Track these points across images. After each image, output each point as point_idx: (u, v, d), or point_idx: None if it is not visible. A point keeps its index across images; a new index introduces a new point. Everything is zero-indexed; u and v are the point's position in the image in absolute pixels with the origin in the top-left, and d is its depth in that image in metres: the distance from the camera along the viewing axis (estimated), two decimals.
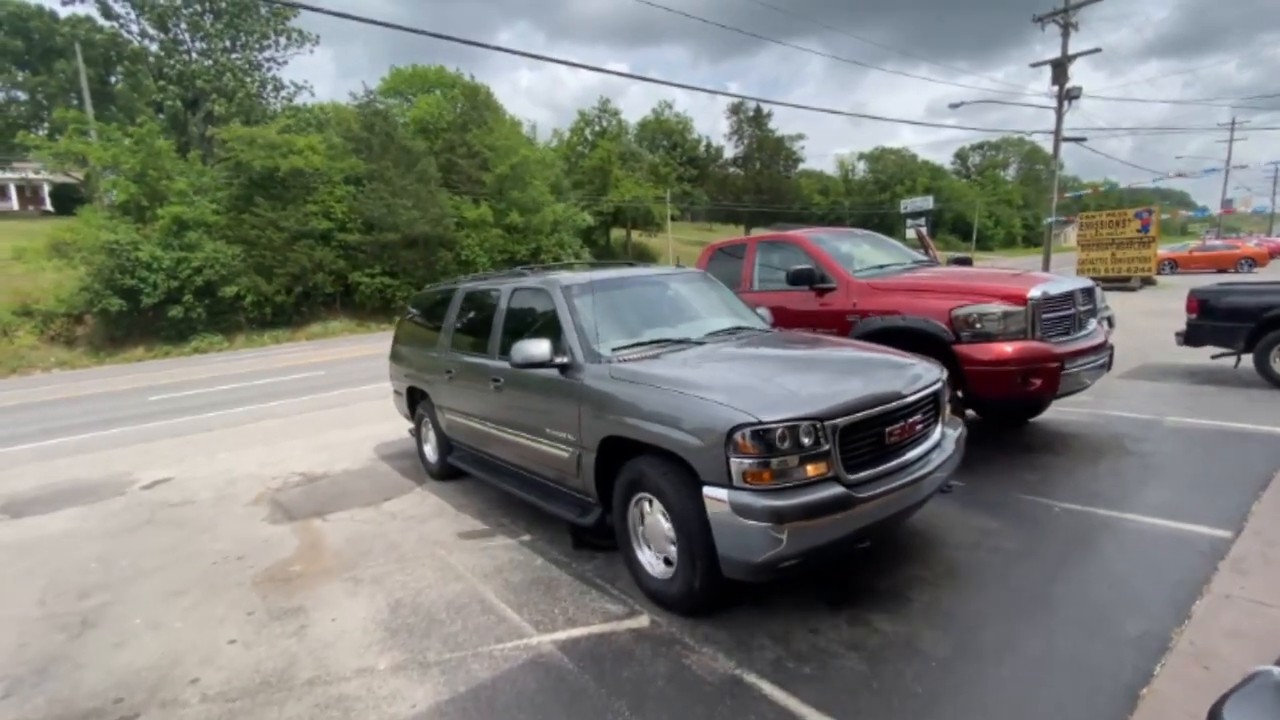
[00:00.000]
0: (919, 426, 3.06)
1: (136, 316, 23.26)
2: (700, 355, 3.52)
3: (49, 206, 43.71)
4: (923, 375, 3.21)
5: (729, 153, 57.95)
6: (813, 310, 5.47)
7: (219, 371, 16.04)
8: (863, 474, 2.73)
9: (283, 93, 36.73)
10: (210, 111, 31.95)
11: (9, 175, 45.29)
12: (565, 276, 4.22)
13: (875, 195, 65.36)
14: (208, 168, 25.67)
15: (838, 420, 2.65)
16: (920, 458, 3.01)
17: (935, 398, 3.23)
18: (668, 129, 56.15)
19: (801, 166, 60.32)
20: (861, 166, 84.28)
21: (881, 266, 5.65)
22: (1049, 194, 25.85)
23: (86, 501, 5.89)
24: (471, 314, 5.04)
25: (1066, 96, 24.18)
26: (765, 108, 56.11)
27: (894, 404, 2.88)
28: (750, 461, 2.54)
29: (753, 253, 6.22)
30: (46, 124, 32.43)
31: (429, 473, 5.78)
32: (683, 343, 3.73)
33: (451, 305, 5.28)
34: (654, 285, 4.55)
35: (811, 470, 2.58)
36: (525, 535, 4.25)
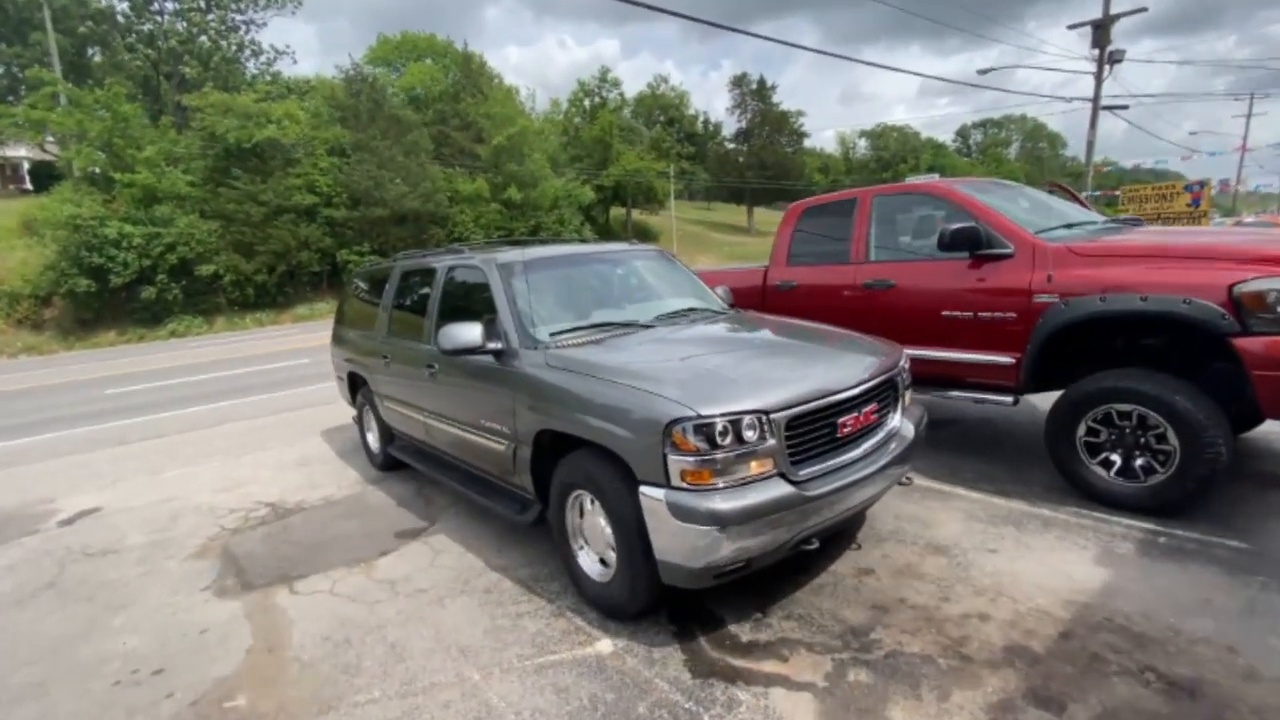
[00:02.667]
0: (875, 415, 2.88)
1: (107, 298, 21.44)
2: (644, 340, 3.27)
3: (29, 185, 41.34)
4: (880, 358, 3.04)
5: (730, 128, 55.78)
6: (970, 289, 3.97)
7: (192, 359, 14.39)
8: (813, 469, 2.57)
9: (261, 58, 34.37)
10: (183, 76, 29.69)
11: None
12: (504, 254, 3.87)
13: (877, 174, 63.46)
14: (181, 136, 23.63)
15: (784, 413, 2.47)
16: (877, 448, 2.84)
17: (893, 384, 3.05)
18: (664, 104, 53.83)
19: (805, 143, 58.29)
20: (863, 144, 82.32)
21: (1071, 226, 4.14)
22: (1085, 168, 24.31)
23: None
24: (408, 294, 4.62)
25: (1109, 60, 22.52)
26: (769, 80, 53.95)
27: (847, 393, 2.69)
28: (689, 459, 2.35)
29: (867, 210, 4.68)
30: (24, 98, 30.19)
31: (372, 464, 5.39)
32: (629, 326, 3.46)
33: (389, 285, 4.83)
34: (603, 264, 4.26)
35: (756, 467, 2.42)
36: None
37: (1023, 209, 4.31)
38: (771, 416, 2.43)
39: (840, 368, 2.84)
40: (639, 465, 2.47)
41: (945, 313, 4.08)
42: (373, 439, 5.34)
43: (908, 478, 3.20)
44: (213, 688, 2.61)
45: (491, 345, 3.27)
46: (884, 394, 2.97)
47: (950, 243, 3.87)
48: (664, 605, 2.81)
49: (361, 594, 3.29)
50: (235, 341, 18.29)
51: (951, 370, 4.13)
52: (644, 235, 43.67)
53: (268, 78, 30.62)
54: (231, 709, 2.47)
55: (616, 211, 44.36)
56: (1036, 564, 3.06)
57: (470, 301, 3.82)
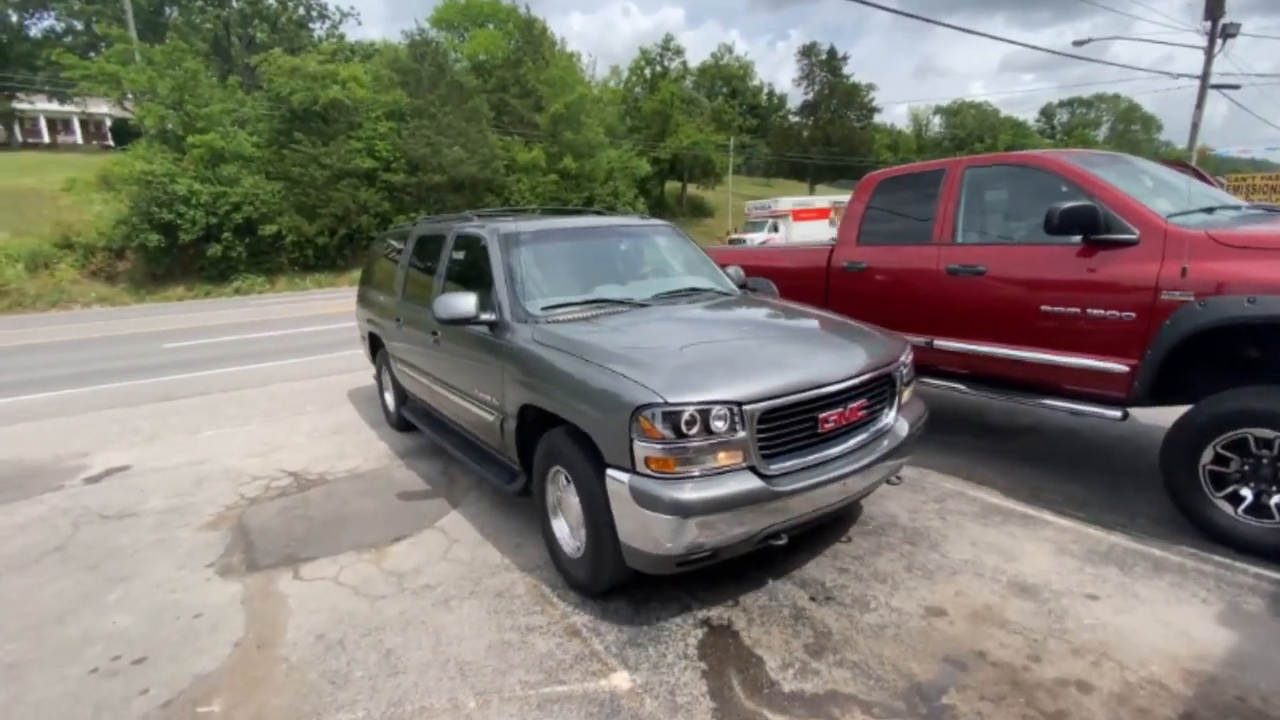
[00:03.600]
0: (863, 412, 2.75)
1: (176, 253, 22.32)
2: (634, 321, 3.21)
3: (110, 141, 43.49)
4: (876, 355, 2.88)
5: (795, 100, 53.52)
6: (1079, 280, 3.34)
7: (250, 317, 14.76)
8: (786, 464, 2.47)
9: (327, 21, 34.79)
10: (252, 38, 30.32)
11: (72, 109, 45.18)
12: (507, 224, 3.88)
13: (951, 153, 59.94)
14: (248, 96, 24.16)
15: (757, 405, 2.38)
16: (862, 446, 2.72)
17: (890, 380, 2.91)
18: (727, 75, 51.97)
19: (875, 118, 55.37)
20: (937, 121, 77.94)
21: (1211, 210, 3.43)
22: (1187, 153, 22.02)
23: (13, 497, 4.37)
24: (421, 259, 4.64)
25: (1222, 34, 20.19)
26: (840, 50, 51.28)
27: (830, 389, 2.56)
28: (655, 446, 2.29)
29: (957, 184, 4.05)
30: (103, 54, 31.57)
31: (389, 423, 5.55)
32: (624, 304, 3.42)
33: (405, 248, 4.92)
34: (608, 238, 4.22)
35: (724, 458, 2.34)
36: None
37: (1146, 188, 3.61)
38: (744, 408, 2.36)
39: (829, 362, 2.71)
40: (607, 448, 2.45)
41: (1045, 307, 3.46)
42: (389, 399, 5.46)
43: (897, 477, 3.09)
44: (190, 686, 2.38)
45: (485, 316, 3.26)
46: (876, 390, 2.84)
47: (1060, 224, 3.24)
48: (631, 586, 2.72)
49: (366, 585, 3.03)
50: (295, 301, 18.76)
51: (1047, 375, 3.53)
52: (699, 210, 42.72)
53: (333, 40, 30.92)
54: (204, 715, 2.23)
55: (672, 185, 43.44)
56: (1147, 618, 2.52)
57: (473, 270, 3.80)
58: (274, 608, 2.88)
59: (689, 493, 2.26)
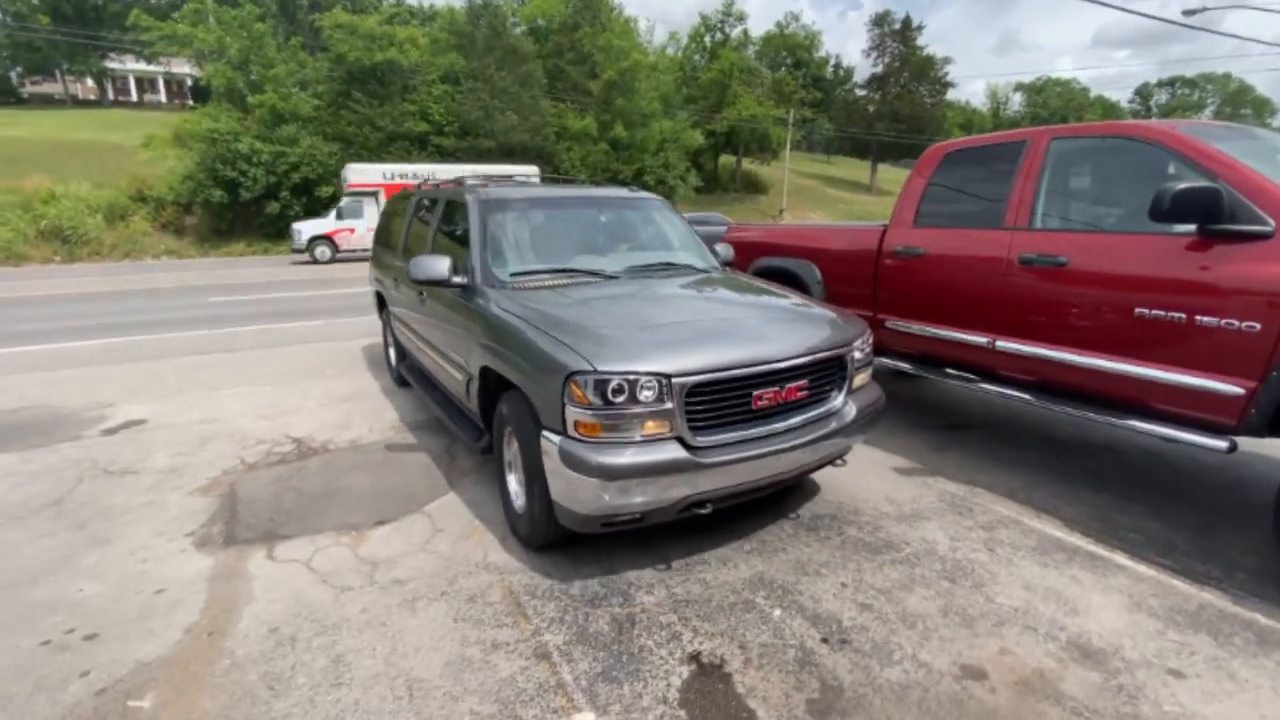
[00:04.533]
0: (804, 393, 2.76)
1: (238, 210, 23.06)
2: (596, 292, 3.27)
3: (191, 100, 45.25)
4: (824, 337, 2.89)
5: (864, 73, 50.75)
6: (1188, 279, 2.74)
7: (300, 275, 15.03)
8: (715, 437, 2.55)
9: None
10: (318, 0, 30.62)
11: (157, 69, 47.17)
12: (490, 190, 4.00)
13: None
14: (309, 57, 24.46)
15: (687, 379, 2.46)
16: (801, 426, 2.74)
17: (840, 363, 2.92)
18: (792, 44, 49.64)
19: (949, 94, 52.03)
20: (1017, 99, 73.02)
21: None
22: None
23: (28, 445, 4.38)
24: (419, 221, 4.75)
25: None
26: (915, 20, 48.22)
27: (764, 368, 2.61)
28: (583, 411, 2.41)
29: (1040, 157, 3.45)
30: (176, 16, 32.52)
31: (391, 377, 5.74)
32: (593, 275, 3.52)
33: (408, 209, 5.06)
34: (592, 209, 4.26)
35: (652, 427, 2.44)
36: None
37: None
38: (673, 380, 2.44)
39: (769, 341, 2.74)
40: (543, 410, 2.58)
41: (1141, 310, 2.88)
42: (392, 355, 5.64)
43: (842, 460, 3.12)
44: (130, 674, 2.19)
45: (456, 279, 3.41)
46: (821, 373, 2.86)
47: (1170, 210, 2.64)
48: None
49: (336, 573, 2.80)
50: (343, 263, 19.05)
51: (1136, 392, 2.96)
52: (753, 186, 41.40)
53: (393, 3, 30.91)
54: (134, 710, 2.04)
55: (727, 159, 42.16)
56: (1248, 711, 2.02)
57: (456, 234, 3.89)
58: (236, 590, 2.69)
59: (613, 457, 2.36)
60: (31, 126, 30.46)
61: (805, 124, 47.70)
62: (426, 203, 4.73)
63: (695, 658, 2.24)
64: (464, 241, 3.67)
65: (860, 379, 3.05)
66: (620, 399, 2.39)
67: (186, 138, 23.22)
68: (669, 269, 3.80)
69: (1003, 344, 3.53)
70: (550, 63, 29.55)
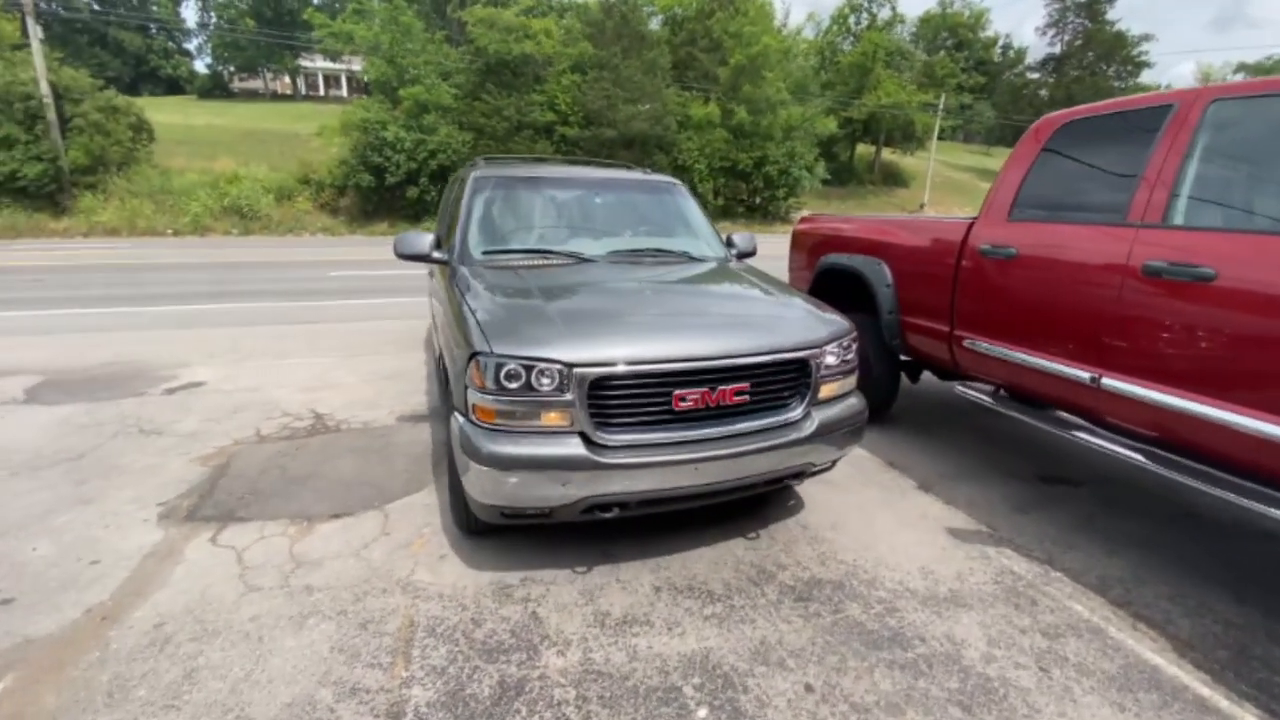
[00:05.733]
0: (743, 397, 2.47)
1: (383, 193, 25.16)
2: (551, 276, 3.17)
3: (367, 94, 50.64)
4: (776, 339, 2.57)
5: (1038, 52, 44.90)
6: None
7: None
8: (625, 436, 2.34)
9: None
10: None
11: (340, 66, 53.21)
12: (489, 168, 4.08)
13: None
14: (452, 50, 26.00)
15: (590, 370, 2.27)
16: (741, 434, 2.47)
17: (800, 367, 2.58)
18: (954, 23, 44.99)
19: (1142, 76, 44.47)
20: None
21: None
22: None
23: (103, 396, 4.77)
24: (450, 199, 4.60)
25: None
26: None
27: (687, 365, 2.37)
28: (481, 395, 2.30)
29: (1191, 128, 2.45)
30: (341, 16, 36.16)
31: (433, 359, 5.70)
32: (568, 258, 3.41)
33: (452, 188, 4.89)
34: (591, 191, 4.16)
35: (553, 419, 2.29)
36: None
37: None
38: (574, 370, 2.27)
39: (708, 338, 2.52)
40: (455, 392, 2.54)
41: None
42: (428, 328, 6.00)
43: (795, 479, 2.77)
44: (9, 650, 2.12)
45: (437, 255, 3.42)
46: (771, 377, 2.56)
47: None
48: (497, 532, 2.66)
49: (259, 569, 2.62)
50: None
51: None
52: (893, 178, 38.29)
53: None
54: None
55: (866, 149, 39.30)
56: None
57: (458, 210, 3.79)
58: (159, 573, 2.58)
59: (504, 447, 2.25)
60: (233, 117, 35.44)
61: (962, 110, 43.15)
62: (457, 184, 4.65)
63: None
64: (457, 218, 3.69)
65: (831, 388, 2.69)
66: (515, 385, 2.26)
67: (347, 127, 25.71)
68: (659, 254, 3.66)
69: (1111, 382, 2.59)
70: (683, 51, 29.11)
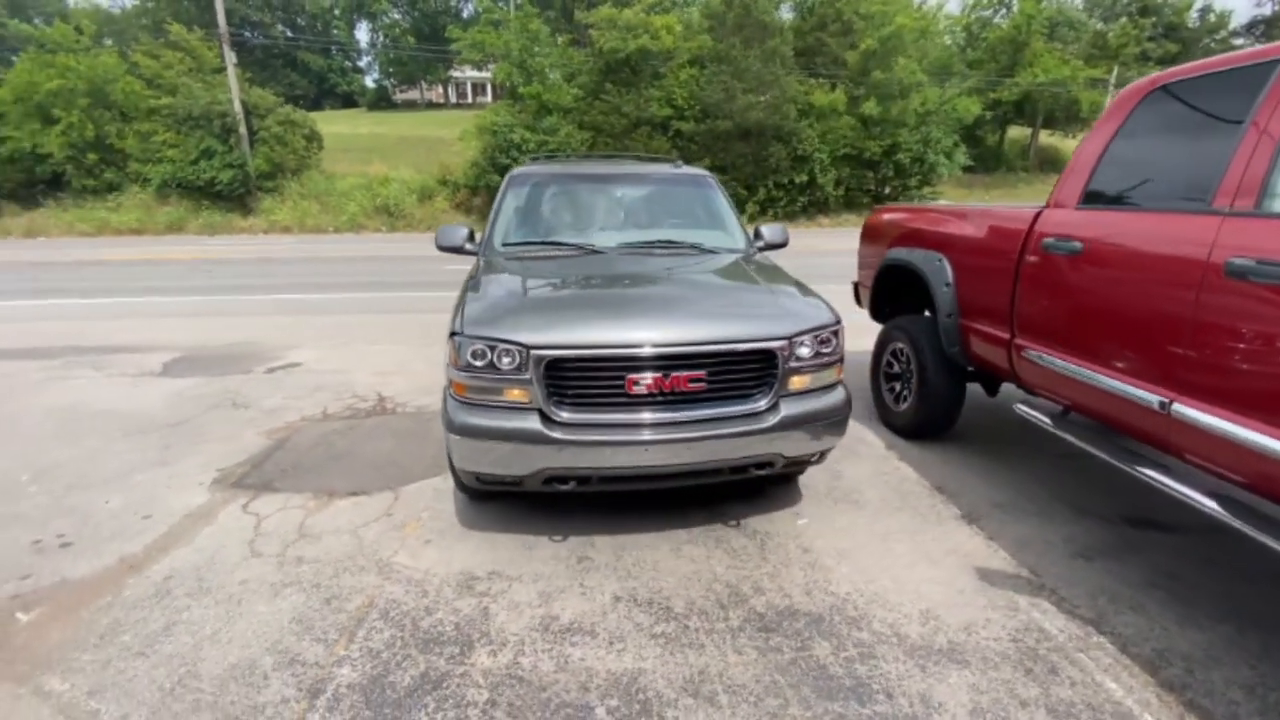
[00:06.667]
0: (699, 384, 2.53)
1: None
2: (551, 266, 3.43)
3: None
4: (739, 328, 2.62)
5: (1244, 15, 37.45)
6: None
7: None
8: (577, 415, 2.51)
9: None
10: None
11: (484, 75, 57.43)
12: (528, 168, 4.35)
13: None
14: (575, 52, 26.91)
15: (546, 352, 2.46)
16: (697, 421, 2.52)
17: (765, 357, 2.59)
18: None
19: None
20: None
21: None
22: None
23: (217, 372, 5.50)
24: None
25: None
26: None
27: (636, 350, 2.47)
28: (455, 371, 2.56)
29: None
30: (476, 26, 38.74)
31: None
32: (578, 249, 3.58)
33: None
34: (616, 185, 4.32)
35: (515, 395, 2.50)
36: None
37: None
38: (531, 352, 2.45)
39: (664, 326, 2.56)
40: (445, 370, 2.71)
41: None
42: None
43: (758, 468, 2.69)
44: (46, 589, 2.49)
45: (469, 247, 3.69)
46: (731, 366, 2.57)
47: None
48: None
49: (268, 537, 2.86)
50: None
51: None
52: (1051, 163, 33.95)
53: None
54: (14, 621, 2.29)
55: (1018, 132, 35.22)
56: None
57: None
58: (189, 532, 2.91)
59: (471, 418, 2.49)
60: (391, 126, 39.41)
61: None
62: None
63: None
64: None
65: (802, 380, 2.66)
66: (480, 363, 2.48)
67: (480, 131, 27.63)
68: (670, 246, 3.73)
69: (1183, 409, 2.06)
70: (812, 37, 27.87)
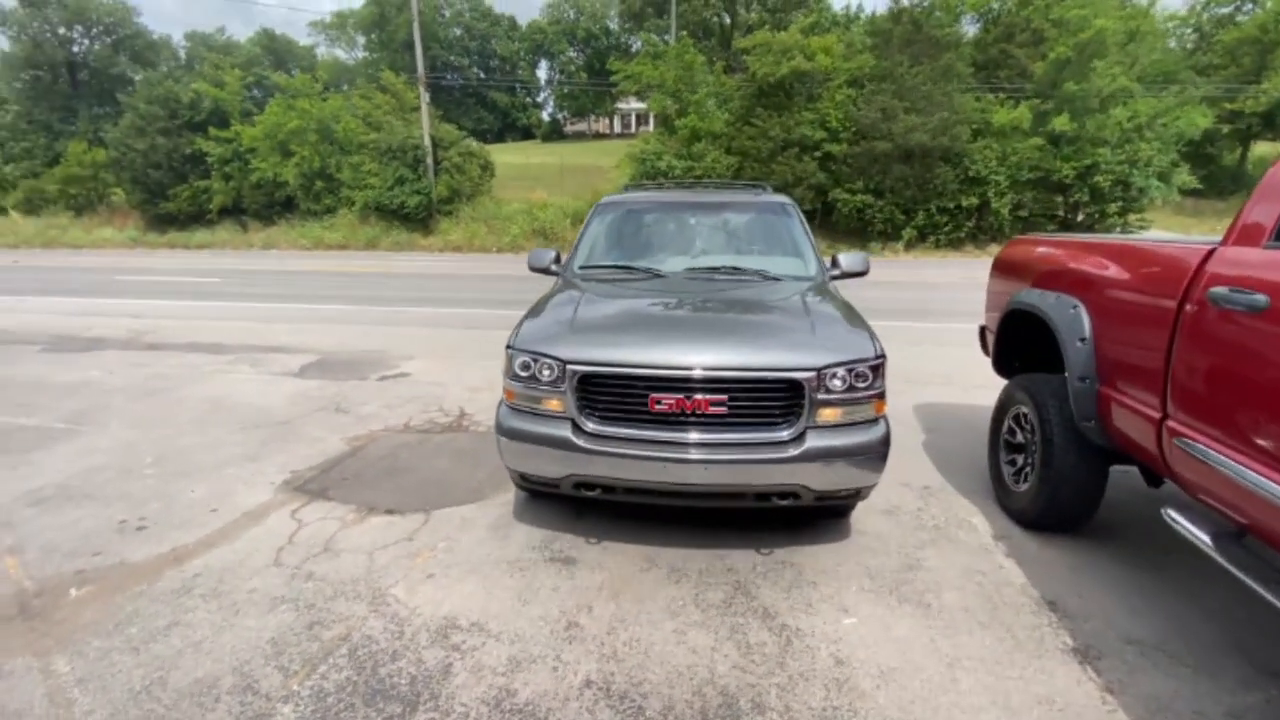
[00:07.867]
0: (721, 408, 2.61)
1: None
2: (614, 288, 3.58)
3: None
4: (765, 357, 2.66)
5: None
6: None
7: None
8: (604, 428, 2.68)
9: None
10: (749, 26, 33.36)
11: (645, 106, 60.16)
12: (616, 195, 4.70)
13: None
14: (729, 78, 26.97)
15: (579, 368, 2.67)
16: (718, 444, 2.60)
17: (792, 388, 2.61)
18: None
19: None
20: None
21: None
22: None
23: (339, 377, 6.03)
24: None
25: None
26: None
27: (662, 372, 2.62)
28: (507, 380, 2.85)
29: None
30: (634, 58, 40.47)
31: None
32: (644, 273, 3.81)
33: None
34: (692, 212, 4.45)
35: (554, 405, 2.72)
36: None
37: None
38: (568, 367, 2.67)
39: (693, 351, 2.64)
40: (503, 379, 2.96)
41: None
42: None
43: (780, 498, 2.67)
44: (108, 567, 2.76)
45: (554, 269, 4.11)
46: (755, 393, 2.63)
47: None
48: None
49: (296, 546, 2.96)
50: None
51: None
52: None
53: (813, 12, 31.26)
54: (65, 595, 2.54)
55: (1267, 149, 28.86)
56: None
57: None
58: (237, 530, 3.10)
59: (515, 422, 2.77)
60: (558, 156, 42.44)
61: None
62: None
63: None
64: None
65: (834, 412, 2.62)
66: (525, 374, 2.75)
67: (631, 159, 28.76)
68: (735, 272, 3.82)
69: None
70: (995, 49, 25.30)
